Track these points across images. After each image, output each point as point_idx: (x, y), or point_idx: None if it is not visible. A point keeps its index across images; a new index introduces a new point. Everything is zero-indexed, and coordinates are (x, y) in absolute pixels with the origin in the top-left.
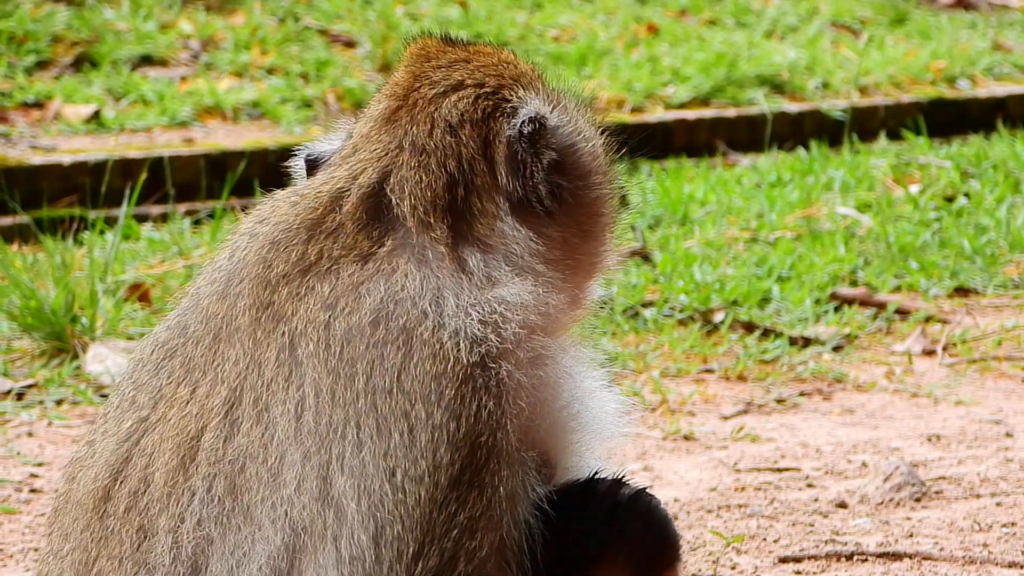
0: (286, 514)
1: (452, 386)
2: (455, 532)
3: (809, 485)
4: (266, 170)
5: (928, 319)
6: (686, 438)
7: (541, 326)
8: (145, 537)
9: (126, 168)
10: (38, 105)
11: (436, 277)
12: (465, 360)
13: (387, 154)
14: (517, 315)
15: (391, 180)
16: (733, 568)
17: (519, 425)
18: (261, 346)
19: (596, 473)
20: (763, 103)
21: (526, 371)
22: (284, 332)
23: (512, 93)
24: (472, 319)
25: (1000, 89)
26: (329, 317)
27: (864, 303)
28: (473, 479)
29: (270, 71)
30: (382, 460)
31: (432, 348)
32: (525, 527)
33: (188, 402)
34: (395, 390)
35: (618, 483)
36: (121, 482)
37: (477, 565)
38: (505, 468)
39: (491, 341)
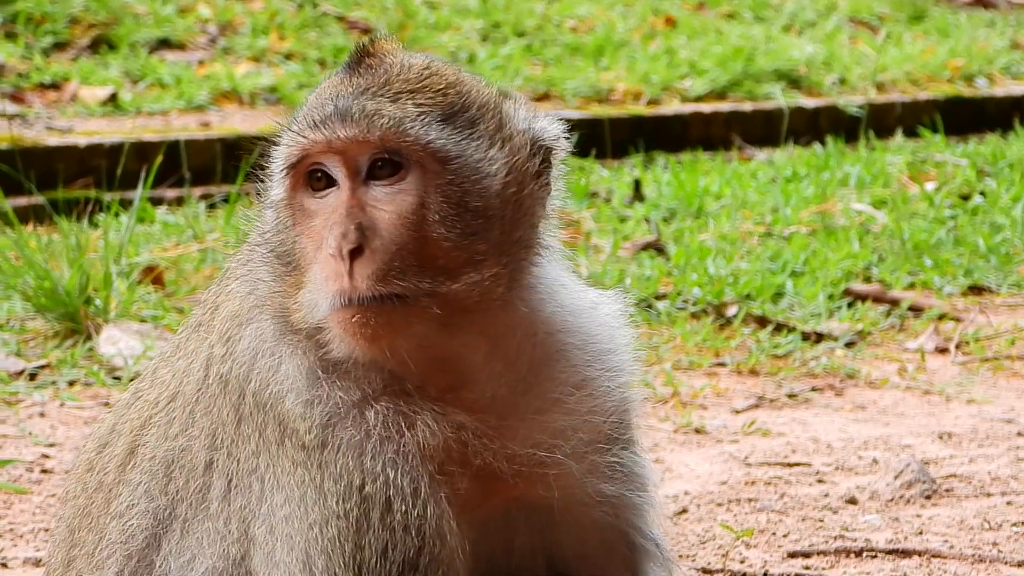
0: (220, 542)
1: (315, 455)
2: (394, 568)
3: (819, 481)
4: None
5: (941, 317)
6: (697, 431)
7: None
8: (108, 517)
9: (142, 151)
10: (55, 86)
11: (271, 331)
12: (312, 433)
13: None
14: (326, 385)
15: None
16: (742, 562)
17: (410, 467)
18: (194, 353)
19: None
20: (780, 98)
21: (381, 427)
22: (205, 347)
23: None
24: (299, 389)
25: (1017, 88)
26: (223, 354)
27: (877, 300)
28: (386, 520)
29: (288, 56)
30: (284, 508)
31: (290, 424)
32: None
33: (156, 386)
34: (279, 456)
35: None
36: (100, 455)
37: None
38: (418, 507)
39: (321, 413)
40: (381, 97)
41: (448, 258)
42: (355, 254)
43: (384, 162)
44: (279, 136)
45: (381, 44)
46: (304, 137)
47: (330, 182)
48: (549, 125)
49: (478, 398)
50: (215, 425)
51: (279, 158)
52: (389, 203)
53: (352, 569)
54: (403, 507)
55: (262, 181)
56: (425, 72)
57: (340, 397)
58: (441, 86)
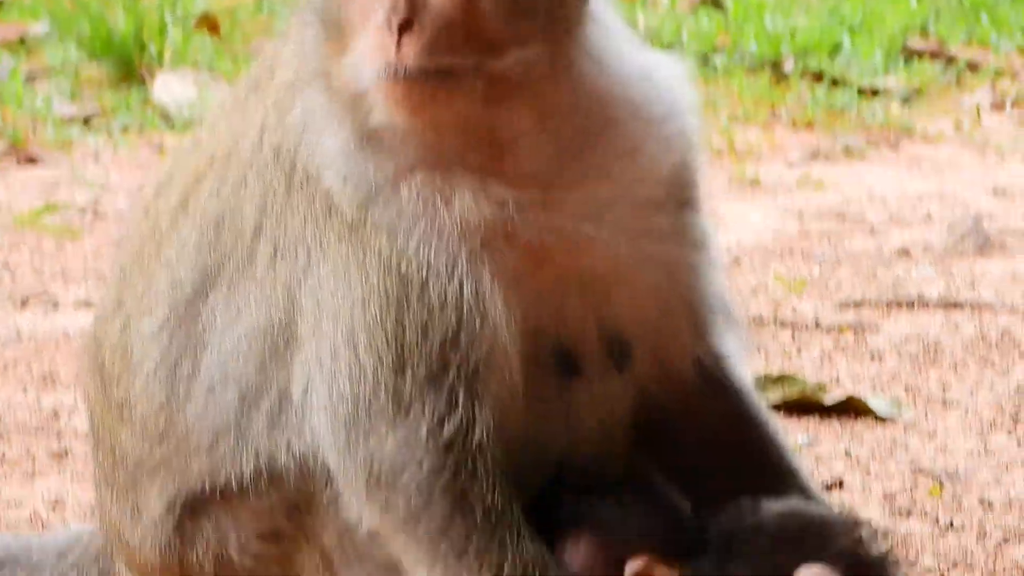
0: (265, 304)
1: (357, 232)
2: (435, 346)
3: (873, 233)
4: None
5: (998, 74)
6: (752, 183)
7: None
8: (159, 264)
9: None
10: None
11: (320, 101)
12: (351, 210)
13: None
14: (361, 160)
15: None
16: (794, 311)
17: (445, 244)
18: (251, 116)
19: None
20: None
21: (414, 204)
22: (260, 112)
23: None
24: (338, 165)
25: None
26: (275, 123)
27: (934, 55)
28: (424, 298)
29: None
30: (329, 281)
31: (334, 199)
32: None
33: (215, 139)
34: (326, 229)
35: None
36: (156, 201)
37: (469, 378)
38: (454, 284)
39: (358, 190)
40: None
41: (495, 35)
42: (404, 27)
43: None
44: None
45: None
46: None
47: None
48: None
49: (521, 170)
50: (266, 191)
51: None
52: None
53: (394, 347)
54: (439, 285)
55: None
56: None
57: (374, 172)
58: None
